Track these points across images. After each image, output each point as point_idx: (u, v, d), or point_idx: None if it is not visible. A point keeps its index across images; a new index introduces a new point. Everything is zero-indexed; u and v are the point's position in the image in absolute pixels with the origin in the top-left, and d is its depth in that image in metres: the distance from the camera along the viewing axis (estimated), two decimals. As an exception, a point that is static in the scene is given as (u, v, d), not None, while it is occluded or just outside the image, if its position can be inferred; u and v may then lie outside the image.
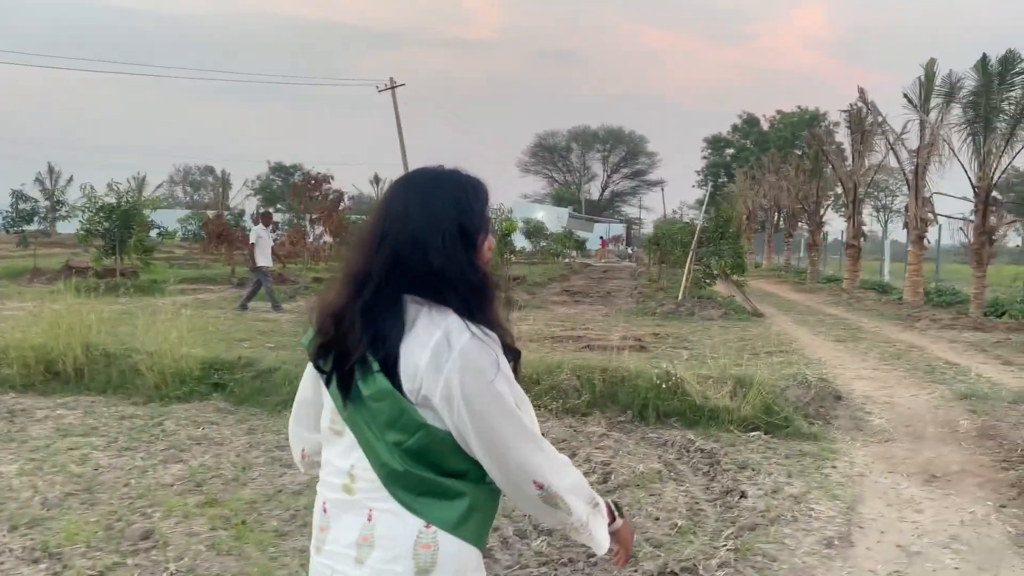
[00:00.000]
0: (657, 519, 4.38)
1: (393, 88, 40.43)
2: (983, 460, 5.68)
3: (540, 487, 1.52)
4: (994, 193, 16.09)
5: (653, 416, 6.46)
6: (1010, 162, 15.71)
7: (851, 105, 23.34)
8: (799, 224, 35.04)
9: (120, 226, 17.42)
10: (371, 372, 1.49)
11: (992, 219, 15.91)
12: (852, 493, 4.94)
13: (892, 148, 19.66)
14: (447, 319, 1.49)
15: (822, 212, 29.77)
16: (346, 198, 26.11)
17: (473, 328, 1.49)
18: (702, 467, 5.37)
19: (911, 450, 5.95)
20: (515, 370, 1.58)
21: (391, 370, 1.48)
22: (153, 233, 19.82)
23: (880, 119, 20.52)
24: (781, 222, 39.53)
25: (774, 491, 4.88)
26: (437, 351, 1.46)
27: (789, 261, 36.04)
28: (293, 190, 24.52)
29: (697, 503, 4.70)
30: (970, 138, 15.88)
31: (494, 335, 1.52)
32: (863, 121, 22.68)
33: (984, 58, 15.70)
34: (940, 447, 6.02)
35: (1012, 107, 15.35)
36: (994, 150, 15.39)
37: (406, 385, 1.47)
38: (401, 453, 1.49)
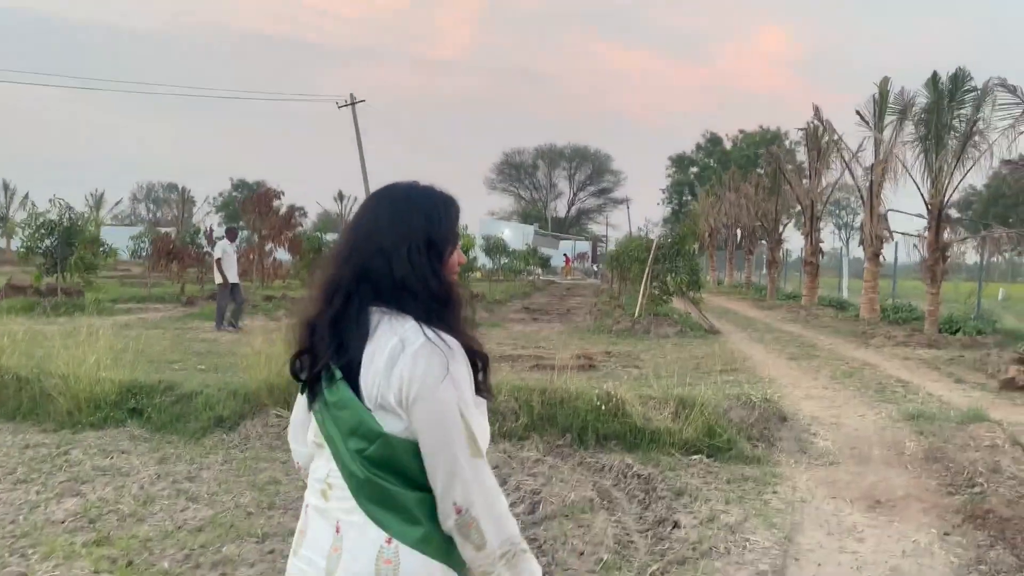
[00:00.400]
0: (582, 554, 4.10)
1: (353, 104, 40.15)
2: (928, 484, 5.49)
3: (458, 511, 1.47)
4: (950, 210, 16.14)
5: (592, 439, 6.18)
6: (962, 179, 15.74)
7: (808, 123, 23.50)
8: (760, 241, 35.18)
9: (62, 243, 16.78)
10: (334, 381, 1.50)
11: (946, 235, 15.96)
12: (791, 521, 4.71)
13: (847, 166, 19.75)
14: (405, 325, 1.51)
15: (781, 229, 29.87)
16: (297, 214, 25.60)
17: (428, 333, 1.49)
18: (637, 494, 5.11)
19: (856, 474, 5.75)
20: (485, 376, 1.58)
21: (353, 377, 1.49)
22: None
23: (836, 137, 20.62)
24: (742, 240, 39.70)
25: (709, 520, 4.63)
26: (392, 355, 1.47)
27: (750, 278, 36.13)
28: (243, 206, 23.95)
29: (627, 534, 4.43)
30: (922, 155, 15.94)
31: (453, 340, 1.51)
32: (819, 139, 22.82)
33: (935, 76, 15.79)
34: (885, 470, 5.83)
35: (962, 124, 15.42)
36: (945, 167, 15.43)
37: (366, 391, 1.48)
38: (363, 460, 1.49)
